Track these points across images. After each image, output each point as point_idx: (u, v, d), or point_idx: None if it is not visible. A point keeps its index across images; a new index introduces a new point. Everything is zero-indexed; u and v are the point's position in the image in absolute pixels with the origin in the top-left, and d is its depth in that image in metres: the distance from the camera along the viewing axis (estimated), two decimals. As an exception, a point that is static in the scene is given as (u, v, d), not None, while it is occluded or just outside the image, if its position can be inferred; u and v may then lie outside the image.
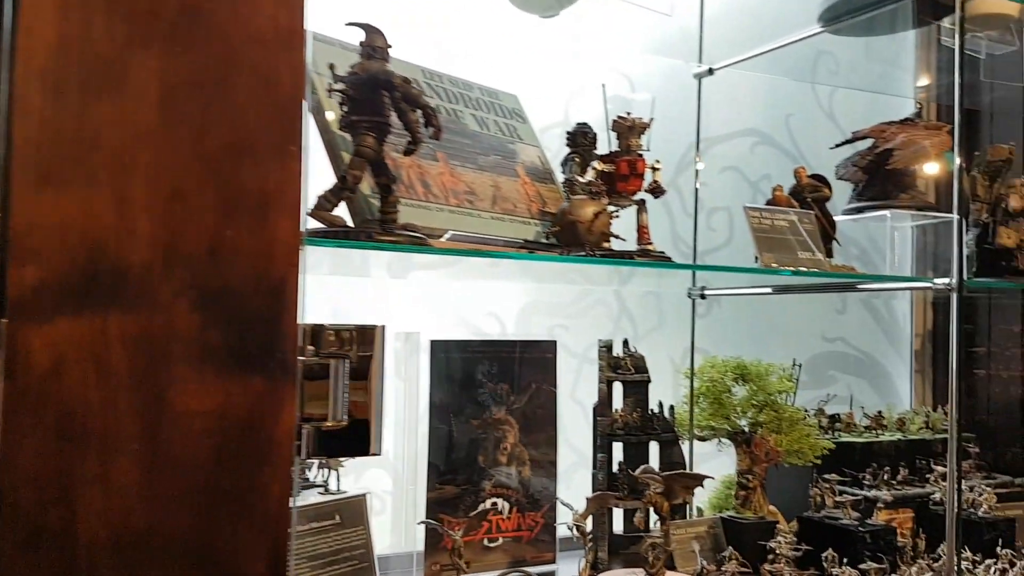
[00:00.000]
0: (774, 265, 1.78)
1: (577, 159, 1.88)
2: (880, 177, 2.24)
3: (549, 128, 2.20)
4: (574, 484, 2.39)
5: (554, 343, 2.20)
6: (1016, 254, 2.03)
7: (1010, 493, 2.63)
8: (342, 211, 1.51)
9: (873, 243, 2.98)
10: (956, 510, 1.79)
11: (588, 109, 1.97)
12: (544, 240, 1.77)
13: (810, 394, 2.80)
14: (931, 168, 2.28)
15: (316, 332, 1.20)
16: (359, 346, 1.30)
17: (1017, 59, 2.55)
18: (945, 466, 2.73)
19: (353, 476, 2.11)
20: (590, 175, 1.76)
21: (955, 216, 1.79)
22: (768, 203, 2.01)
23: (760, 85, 2.94)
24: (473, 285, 2.46)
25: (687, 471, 2.07)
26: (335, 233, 1.39)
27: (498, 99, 2.10)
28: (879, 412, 2.87)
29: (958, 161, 1.80)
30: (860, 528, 2.29)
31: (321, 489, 1.95)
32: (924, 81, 3.03)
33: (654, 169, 1.84)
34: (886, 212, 2.23)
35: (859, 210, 2.29)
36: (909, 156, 2.16)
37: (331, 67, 1.50)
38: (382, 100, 1.48)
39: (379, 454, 1.24)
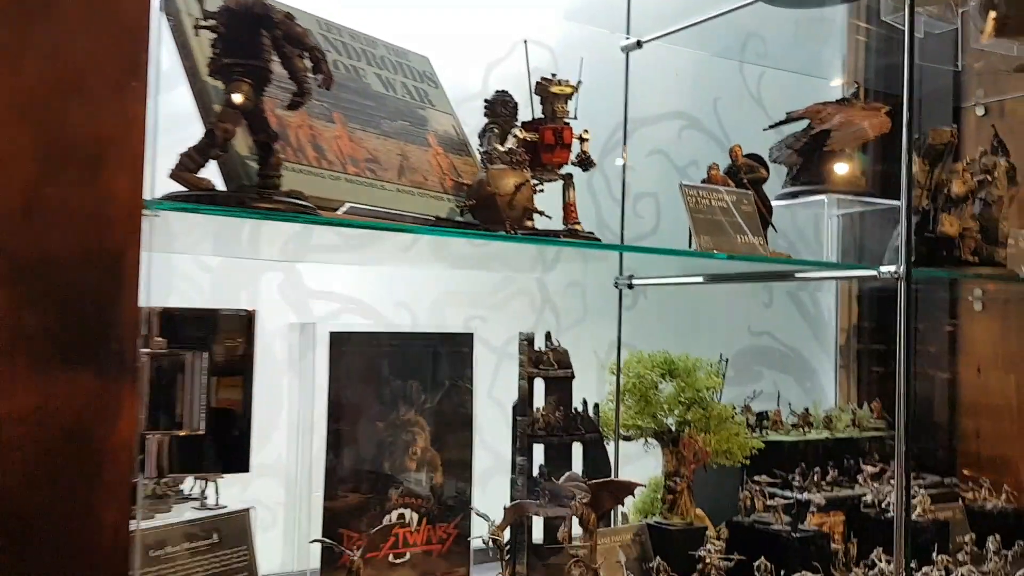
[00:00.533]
0: (712, 249, 1.62)
1: (496, 130, 1.67)
2: (816, 160, 2.11)
3: (464, 102, 1.99)
4: (490, 490, 2.20)
5: (471, 336, 2.04)
6: (959, 242, 1.91)
7: (940, 494, 2.56)
8: (214, 174, 1.26)
9: (799, 232, 2.87)
10: (903, 522, 1.66)
11: (506, 80, 1.77)
12: (459, 217, 1.55)
13: (736, 390, 2.68)
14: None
15: (167, 318, 0.94)
16: (226, 336, 1.06)
17: (948, 41, 2.47)
18: (875, 466, 2.66)
19: (238, 487, 1.86)
20: (511, 143, 1.56)
21: (903, 202, 1.66)
22: (704, 183, 1.85)
23: (689, 63, 2.79)
24: (380, 271, 2.23)
25: (617, 479, 1.90)
26: (196, 197, 1.14)
27: (407, 59, 1.87)
28: (806, 409, 2.77)
29: (906, 142, 1.67)
30: (793, 534, 2.17)
31: (197, 504, 1.70)
32: (853, 62, 2.95)
33: (582, 139, 1.64)
34: (823, 197, 2.10)
35: (794, 195, 2.16)
36: (847, 137, 2.04)
37: (200, -1, 1.25)
38: (260, 40, 1.24)
39: (246, 471, 1.00)
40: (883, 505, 2.46)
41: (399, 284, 2.29)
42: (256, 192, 1.24)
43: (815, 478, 2.50)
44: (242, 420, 1.10)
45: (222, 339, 1.04)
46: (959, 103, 2.81)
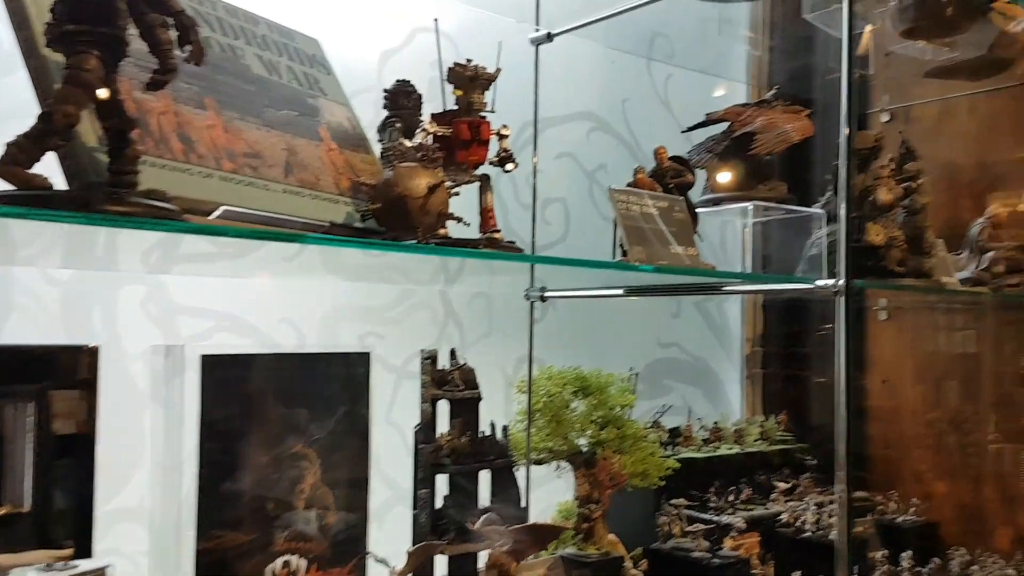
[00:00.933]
0: (645, 261, 1.45)
1: (399, 124, 1.45)
2: (739, 165, 1.99)
3: (356, 95, 1.76)
4: (389, 525, 1.99)
5: (367, 355, 1.84)
6: (884, 252, 1.83)
7: (855, 509, 2.49)
8: (51, 169, 0.99)
9: (709, 240, 2.77)
10: (847, 552, 1.55)
11: (404, 73, 1.56)
12: (359, 224, 1.32)
13: (646, 405, 2.56)
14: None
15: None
16: (63, 379, 0.80)
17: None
18: (787, 482, 2.59)
19: (96, 534, 1.56)
20: (420, 139, 1.34)
21: (841, 212, 1.56)
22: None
23: (597, 64, 2.65)
24: (261, 284, 1.97)
25: (540, 523, 1.71)
26: (26, 198, 0.88)
27: (293, 41, 1.63)
28: (715, 423, 2.68)
29: (845, 146, 1.56)
30: (714, 560, 2.05)
31: (42, 565, 1.42)
32: (757, 65, 2.88)
33: (501, 136, 1.44)
34: (748, 204, 1.98)
35: (716, 201, 2.03)
36: (772, 141, 1.93)
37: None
38: (113, 3, 0.98)
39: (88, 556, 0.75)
40: (799, 524, 2.39)
41: (283, 298, 2.03)
42: (106, 192, 0.98)
43: (730, 498, 2.40)
44: (82, 487, 0.85)
45: (58, 384, 0.78)
46: (864, 109, 2.78)
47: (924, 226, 1.92)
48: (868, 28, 2.40)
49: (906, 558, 2.25)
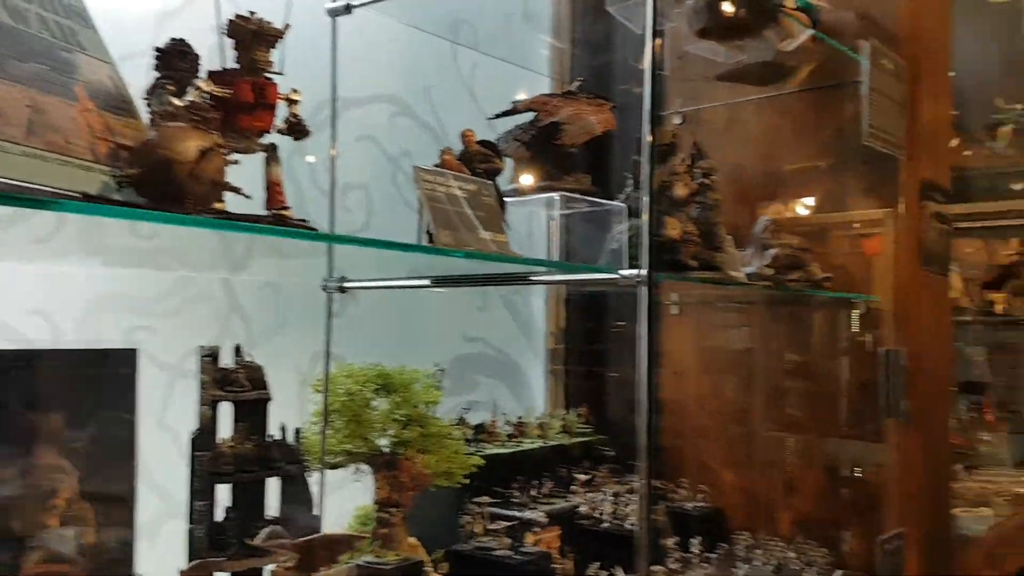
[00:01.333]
0: (453, 246, 1.36)
1: (170, 87, 1.27)
2: (545, 155, 1.95)
3: (127, 59, 1.54)
4: (161, 541, 1.78)
5: (133, 352, 1.64)
6: (681, 247, 1.85)
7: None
8: None
9: (517, 231, 2.74)
10: (647, 541, 1.54)
11: (185, 36, 1.38)
12: (116, 195, 1.13)
13: (451, 401, 2.48)
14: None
15: None
16: None
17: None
18: (587, 474, 2.61)
19: None
20: (192, 97, 1.17)
21: (644, 205, 1.55)
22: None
23: (402, 46, 2.54)
24: (6, 268, 1.69)
25: (332, 534, 1.57)
26: None
27: (45, -16, 1.39)
28: (520, 418, 2.66)
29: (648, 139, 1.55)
30: (515, 557, 2.01)
31: None
32: (558, 58, 2.89)
33: (290, 100, 1.30)
34: (554, 195, 1.95)
35: (522, 191, 1.98)
36: (578, 132, 1.91)
37: None
38: None
39: None
40: (597, 514, 2.41)
41: (35, 287, 1.76)
42: None
43: (532, 492, 2.38)
44: None
45: None
46: (658, 110, 2.86)
47: (716, 222, 1.98)
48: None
49: (696, 544, 2.32)
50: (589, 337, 3.12)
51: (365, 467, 2.05)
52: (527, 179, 1.97)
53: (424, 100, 2.61)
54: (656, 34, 1.65)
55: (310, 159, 2.17)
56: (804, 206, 2.81)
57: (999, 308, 3.64)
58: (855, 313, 2.62)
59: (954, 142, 3.86)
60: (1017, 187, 4.11)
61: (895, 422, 2.39)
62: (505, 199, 1.86)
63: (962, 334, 3.52)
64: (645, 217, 1.52)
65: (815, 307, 2.77)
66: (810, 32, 2.34)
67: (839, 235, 2.72)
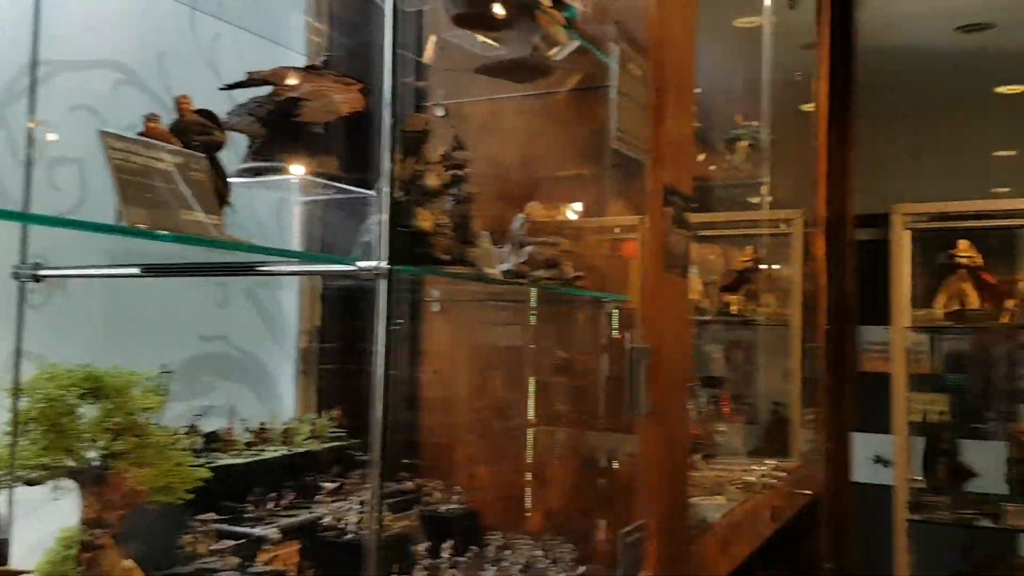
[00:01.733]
0: (148, 226, 1.17)
1: None
2: (284, 134, 1.79)
3: None
4: None
5: None
6: (432, 239, 1.77)
7: (397, 503, 2.45)
8: None
9: (257, 218, 2.53)
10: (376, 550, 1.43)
11: None
12: None
13: (182, 408, 2.24)
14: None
15: None
16: None
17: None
18: (335, 481, 2.45)
19: None
20: None
21: (384, 192, 1.44)
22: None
23: (127, 4, 2.25)
24: None
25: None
26: None
27: None
28: (262, 424, 2.45)
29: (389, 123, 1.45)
30: (244, 578, 1.83)
31: None
32: (320, 37, 2.73)
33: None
34: (294, 178, 1.79)
35: (257, 171, 1.80)
36: (319, 110, 1.77)
37: None
38: None
39: None
40: (342, 525, 2.27)
41: None
42: None
43: (269, 505, 2.19)
44: None
45: None
46: (420, 102, 2.78)
47: (470, 215, 1.92)
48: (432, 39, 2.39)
49: (446, 548, 2.25)
50: (348, 336, 2.97)
51: (68, 483, 1.79)
52: (263, 159, 1.80)
53: (157, 71, 2.34)
54: (405, 15, 1.55)
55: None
56: (565, 206, 2.84)
57: (734, 309, 3.95)
58: (614, 312, 2.68)
59: (700, 157, 4.13)
60: (752, 199, 4.48)
61: (640, 415, 2.46)
62: (238, 179, 1.69)
63: (702, 333, 3.76)
64: (384, 205, 1.42)
65: (578, 307, 2.82)
66: (578, 42, 2.36)
67: (601, 238, 2.78)
